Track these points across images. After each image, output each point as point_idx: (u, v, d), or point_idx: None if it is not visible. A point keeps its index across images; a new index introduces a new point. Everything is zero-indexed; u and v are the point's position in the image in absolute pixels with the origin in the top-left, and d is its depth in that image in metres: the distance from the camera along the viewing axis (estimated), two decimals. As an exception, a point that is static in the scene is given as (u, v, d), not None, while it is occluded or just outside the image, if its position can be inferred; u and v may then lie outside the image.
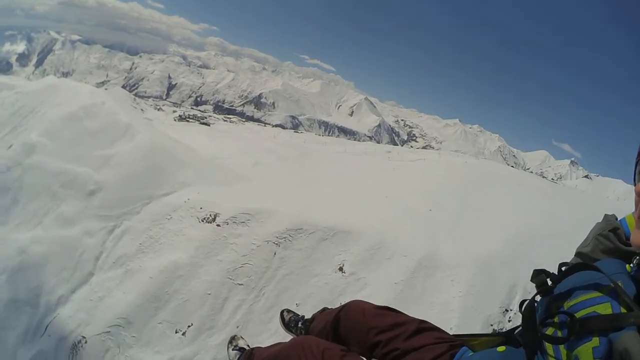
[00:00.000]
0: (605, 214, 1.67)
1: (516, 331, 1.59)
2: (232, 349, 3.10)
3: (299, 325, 2.91)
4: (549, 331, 1.26)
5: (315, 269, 6.39)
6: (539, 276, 1.44)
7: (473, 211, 9.32)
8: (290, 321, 3.07)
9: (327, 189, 9.98)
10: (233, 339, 3.27)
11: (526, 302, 1.43)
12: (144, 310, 5.92)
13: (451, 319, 5.68)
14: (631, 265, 1.33)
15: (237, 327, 5.74)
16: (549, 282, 1.42)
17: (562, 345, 1.18)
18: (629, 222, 1.55)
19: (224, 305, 5.92)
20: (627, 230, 1.54)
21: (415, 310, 6.13)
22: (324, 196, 8.85)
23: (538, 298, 1.45)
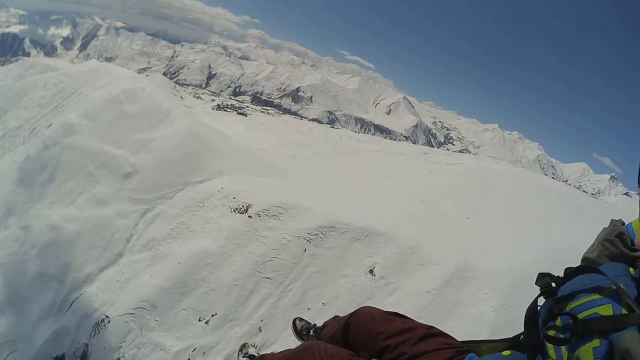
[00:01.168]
0: (612, 219, 1.65)
1: (522, 336, 1.56)
2: (243, 356, 3.04)
3: (311, 333, 2.82)
4: (551, 332, 1.25)
5: (345, 270, 6.18)
6: (543, 279, 1.43)
7: (510, 222, 8.91)
8: (302, 329, 2.95)
9: (362, 188, 9.72)
10: (244, 346, 3.36)
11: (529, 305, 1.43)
12: (169, 295, 5.88)
13: (481, 333, 5.39)
14: (635, 269, 1.33)
15: (261, 320, 5.62)
16: (553, 285, 1.41)
17: (564, 347, 1.19)
18: (636, 227, 1.54)
19: (250, 297, 5.80)
20: (632, 236, 1.53)
21: (445, 322, 5.84)
22: (359, 195, 8.62)
23: (541, 301, 1.43)
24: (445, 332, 1.93)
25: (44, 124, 8.35)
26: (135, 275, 6.16)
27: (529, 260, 6.88)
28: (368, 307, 2.16)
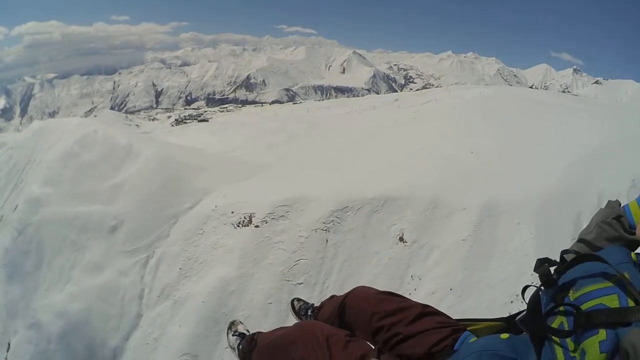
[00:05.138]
0: (609, 201, 1.67)
1: (517, 317, 1.60)
2: (232, 335, 3.06)
3: (309, 313, 2.97)
4: (556, 322, 1.24)
5: (374, 247, 5.78)
6: (542, 266, 1.43)
7: (515, 145, 8.71)
8: (300, 309, 3.12)
9: (355, 156, 9.27)
10: (232, 324, 3.22)
11: (530, 292, 1.44)
12: (205, 339, 5.38)
13: (529, 264, 5.11)
14: (637, 253, 1.31)
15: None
16: (552, 272, 1.42)
17: (569, 338, 1.16)
18: (633, 209, 1.56)
19: (289, 311, 5.36)
20: (630, 218, 1.55)
21: (489, 264, 5.56)
22: (356, 165, 8.20)
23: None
24: (440, 310, 1.93)
25: (9, 208, 7.60)
26: (163, 330, 5.63)
27: (548, 179, 6.68)
28: (363, 286, 2.24)
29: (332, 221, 5.95)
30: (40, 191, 7.05)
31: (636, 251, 1.35)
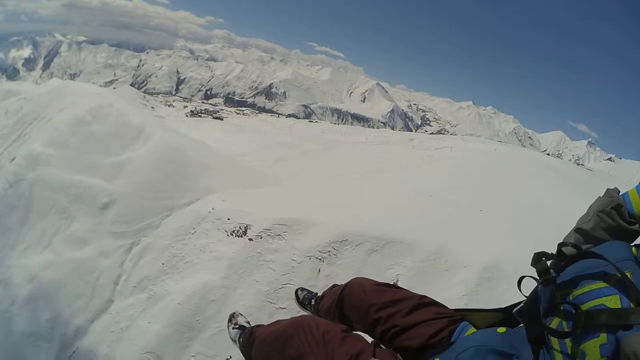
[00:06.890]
0: (608, 189, 1.62)
1: (515, 309, 1.57)
2: (233, 328, 3.11)
3: (312, 302, 2.96)
4: (554, 323, 1.21)
5: (367, 287, 5.54)
6: (540, 262, 1.38)
7: (526, 210, 8.53)
8: (304, 299, 3.16)
9: (364, 189, 9.12)
10: (232, 316, 3.31)
11: (526, 282, 1.45)
12: (174, 342, 5.09)
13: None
14: (636, 245, 1.27)
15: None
16: (550, 268, 1.36)
17: (568, 339, 1.14)
18: (633, 198, 1.50)
19: (294, 301, 5.14)
20: (630, 207, 1.49)
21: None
22: (364, 198, 8.01)
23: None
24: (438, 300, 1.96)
25: (7, 157, 7.40)
26: (131, 322, 5.34)
27: (552, 249, 6.47)
28: (360, 278, 2.26)
29: (329, 252, 5.70)
30: (41, 150, 6.86)
31: (635, 242, 1.33)
